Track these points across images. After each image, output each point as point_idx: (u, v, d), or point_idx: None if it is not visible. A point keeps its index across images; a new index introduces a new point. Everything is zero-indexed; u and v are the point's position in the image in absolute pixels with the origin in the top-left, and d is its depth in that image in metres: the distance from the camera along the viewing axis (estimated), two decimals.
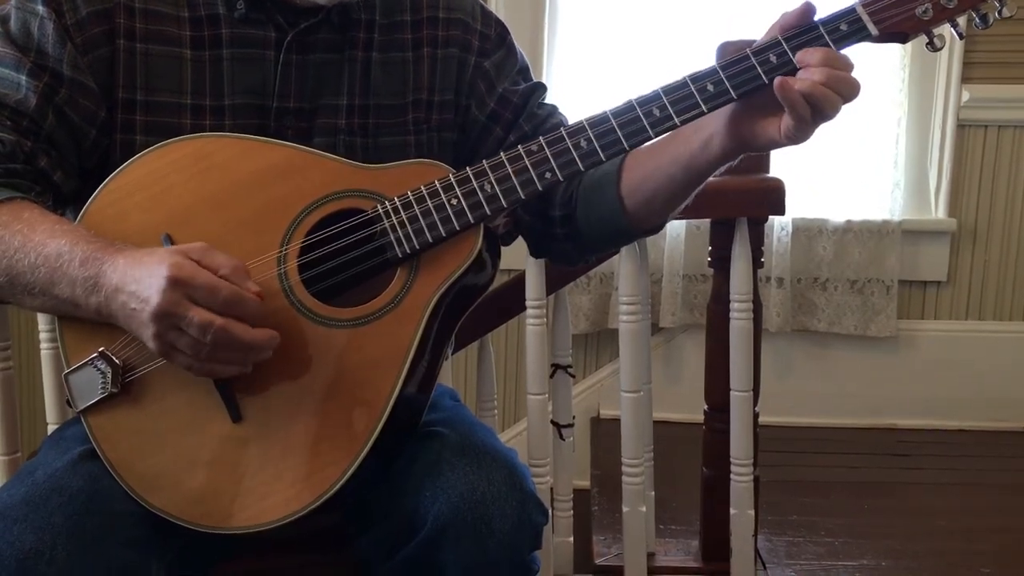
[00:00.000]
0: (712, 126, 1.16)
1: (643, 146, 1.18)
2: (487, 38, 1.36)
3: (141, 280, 1.05)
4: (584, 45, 2.97)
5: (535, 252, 1.44)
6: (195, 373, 1.09)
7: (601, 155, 1.16)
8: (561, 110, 1.37)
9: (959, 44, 2.86)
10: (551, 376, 1.91)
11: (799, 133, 1.11)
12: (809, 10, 1.13)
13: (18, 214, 1.12)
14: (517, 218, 1.36)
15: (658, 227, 1.31)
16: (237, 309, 1.05)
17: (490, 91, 1.35)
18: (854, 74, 1.10)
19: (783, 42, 1.12)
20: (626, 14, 2.94)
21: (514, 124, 1.34)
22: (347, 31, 1.29)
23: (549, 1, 2.93)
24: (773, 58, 1.12)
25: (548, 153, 1.17)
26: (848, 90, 1.09)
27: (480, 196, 1.16)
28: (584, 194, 1.29)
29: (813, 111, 1.09)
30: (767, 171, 1.93)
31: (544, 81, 1.43)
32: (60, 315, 1.15)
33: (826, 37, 1.13)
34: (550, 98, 1.39)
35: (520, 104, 1.35)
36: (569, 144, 1.16)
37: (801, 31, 1.12)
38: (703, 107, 1.13)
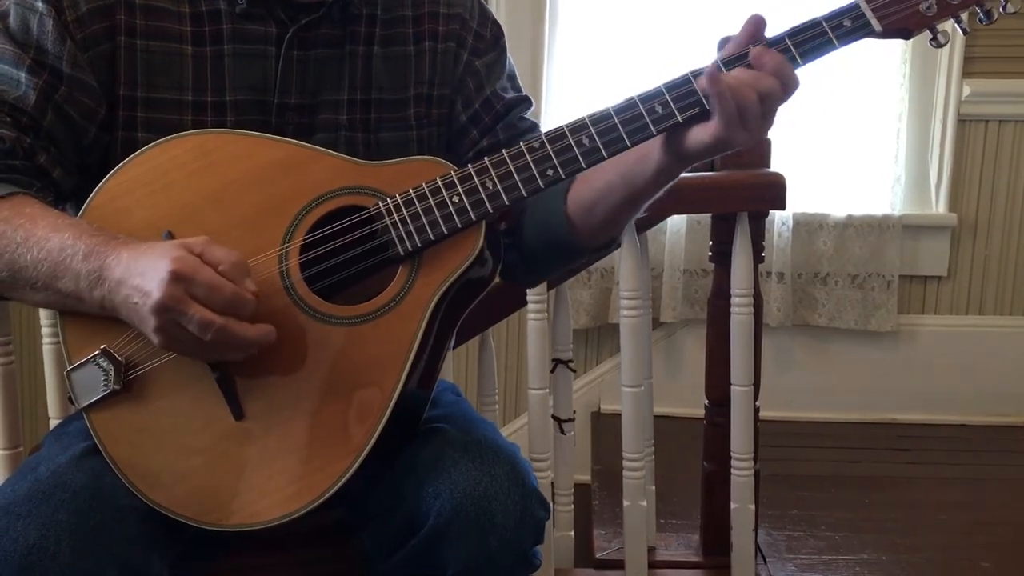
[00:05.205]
0: (654, 141, 1.16)
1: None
2: (482, 37, 1.36)
3: (144, 273, 1.05)
4: (584, 44, 2.94)
5: None
6: (197, 359, 1.10)
7: (603, 152, 1.16)
8: (542, 127, 1.35)
9: (960, 39, 2.85)
10: (552, 371, 1.92)
11: (727, 131, 1.10)
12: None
13: (20, 209, 1.12)
14: None
15: (603, 247, 1.30)
16: (236, 310, 1.05)
17: (478, 91, 1.34)
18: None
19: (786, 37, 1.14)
20: (627, 12, 2.92)
21: (491, 130, 1.34)
22: (347, 26, 1.29)
23: (550, 0, 2.92)
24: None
25: (551, 151, 1.16)
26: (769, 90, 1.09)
27: (482, 193, 1.16)
28: (532, 203, 1.29)
29: (738, 109, 1.09)
30: (768, 166, 1.93)
31: (544, 81, 1.43)
32: (63, 310, 1.15)
33: (829, 33, 1.13)
34: (551, 99, 1.38)
35: (502, 112, 1.35)
36: (571, 141, 1.16)
37: (801, 27, 1.13)
38: (706, 104, 1.13)
